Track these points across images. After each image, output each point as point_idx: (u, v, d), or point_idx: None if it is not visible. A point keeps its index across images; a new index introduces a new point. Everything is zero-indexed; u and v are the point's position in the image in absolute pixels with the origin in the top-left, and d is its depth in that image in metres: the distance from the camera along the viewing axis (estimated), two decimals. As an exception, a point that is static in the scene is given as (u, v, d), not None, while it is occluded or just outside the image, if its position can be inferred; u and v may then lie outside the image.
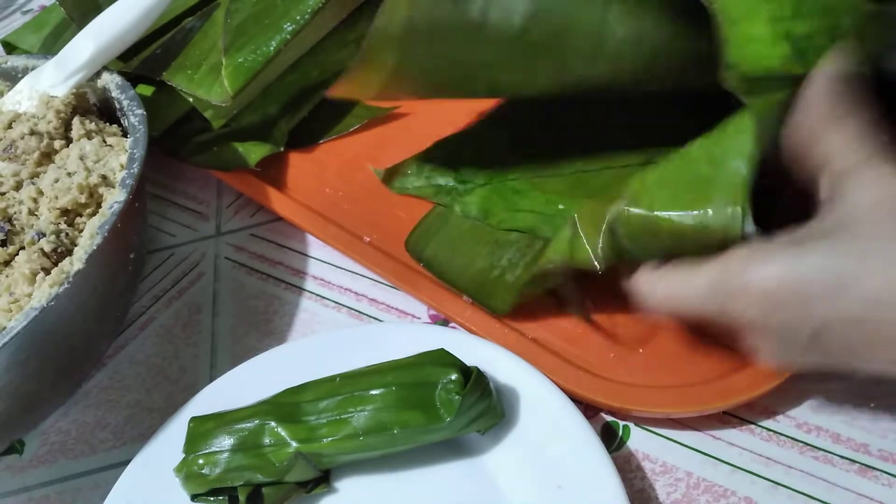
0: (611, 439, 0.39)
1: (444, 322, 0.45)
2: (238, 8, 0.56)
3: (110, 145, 0.47)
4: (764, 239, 0.30)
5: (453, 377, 0.35)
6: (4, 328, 0.35)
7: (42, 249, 0.39)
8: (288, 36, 0.53)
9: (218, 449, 0.37)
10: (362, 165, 0.52)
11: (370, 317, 0.47)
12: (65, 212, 0.42)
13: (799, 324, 0.28)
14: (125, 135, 0.48)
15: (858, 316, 0.27)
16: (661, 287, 0.33)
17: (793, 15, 0.31)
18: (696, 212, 0.31)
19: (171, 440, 0.39)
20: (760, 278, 0.28)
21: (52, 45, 0.66)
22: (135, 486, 0.38)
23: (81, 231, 0.42)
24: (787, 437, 0.38)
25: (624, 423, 0.40)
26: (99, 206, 0.43)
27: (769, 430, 0.38)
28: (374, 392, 0.36)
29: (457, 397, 0.35)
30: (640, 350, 0.40)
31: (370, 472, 0.38)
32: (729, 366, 0.38)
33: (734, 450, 0.38)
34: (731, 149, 0.31)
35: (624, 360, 0.40)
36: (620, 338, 0.41)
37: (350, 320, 0.47)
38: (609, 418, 0.40)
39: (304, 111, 0.58)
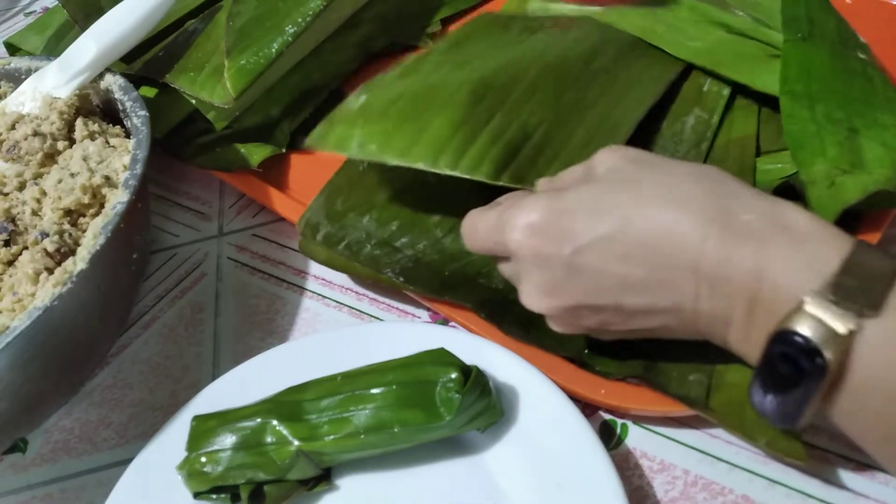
0: (609, 437, 0.40)
1: (444, 321, 0.46)
2: (240, 10, 0.56)
3: (113, 146, 0.47)
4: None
5: (453, 376, 0.36)
6: (8, 328, 0.35)
7: (45, 249, 0.40)
8: (290, 38, 0.54)
9: (220, 447, 0.37)
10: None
11: (371, 316, 0.48)
12: (68, 212, 0.42)
13: (557, 248, 0.34)
14: (128, 136, 0.48)
15: (609, 231, 0.33)
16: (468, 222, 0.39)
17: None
18: None
19: (173, 438, 0.39)
20: (527, 211, 0.35)
21: (55, 46, 0.66)
22: (137, 484, 0.38)
23: (85, 231, 0.42)
24: (785, 435, 0.38)
25: (622, 421, 0.40)
26: (102, 206, 0.43)
27: (767, 428, 0.39)
28: (374, 391, 0.37)
29: (457, 396, 0.35)
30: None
31: (371, 469, 0.38)
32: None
33: (732, 448, 0.38)
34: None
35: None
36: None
37: (351, 319, 0.48)
38: (607, 416, 0.40)
39: (305, 112, 0.59)
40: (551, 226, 0.34)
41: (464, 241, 0.39)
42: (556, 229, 0.34)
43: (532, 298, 0.36)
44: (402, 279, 0.44)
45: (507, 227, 0.35)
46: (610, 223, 0.33)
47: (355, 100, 0.46)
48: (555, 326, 0.37)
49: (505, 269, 0.38)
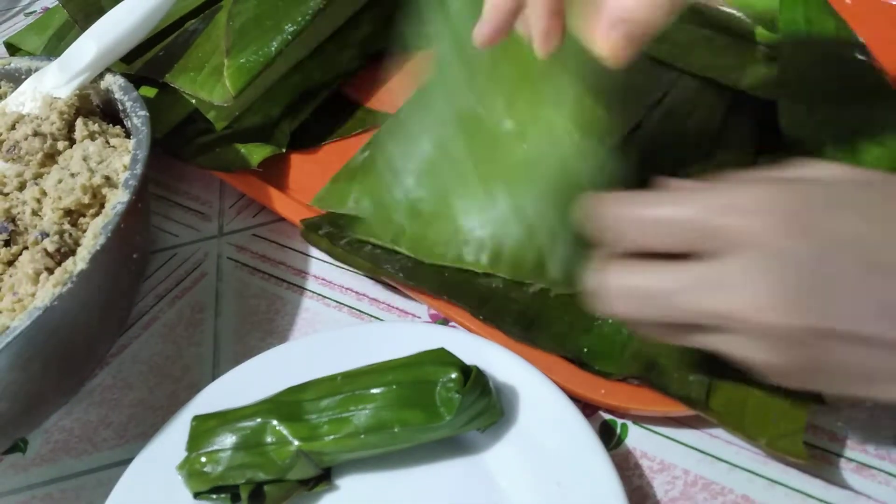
0: (609, 437, 0.40)
1: (444, 321, 0.46)
2: (240, 10, 0.56)
3: (113, 146, 0.47)
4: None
5: (453, 376, 0.36)
6: (8, 328, 0.35)
7: (45, 249, 0.40)
8: (289, 37, 0.54)
9: (220, 447, 0.37)
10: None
11: (371, 316, 0.48)
12: (68, 212, 0.42)
13: (812, 242, 0.27)
14: (128, 136, 0.48)
15: (876, 235, 0.27)
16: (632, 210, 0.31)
17: None
18: None
19: (173, 438, 0.39)
20: (761, 194, 0.28)
21: (55, 46, 0.66)
22: (137, 484, 0.38)
23: (85, 231, 0.42)
24: (785, 435, 0.38)
25: (622, 421, 0.40)
26: (102, 206, 0.43)
27: (767, 428, 0.39)
28: (374, 391, 0.37)
29: (456, 396, 0.35)
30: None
31: (371, 469, 0.38)
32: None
33: (732, 448, 0.38)
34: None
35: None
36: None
37: (351, 319, 0.48)
38: (607, 416, 0.40)
39: (305, 112, 0.59)
40: (800, 213, 0.27)
41: (609, 230, 0.31)
42: (807, 218, 0.27)
43: (759, 305, 0.27)
44: (401, 275, 0.45)
45: (737, 209, 0.28)
46: (875, 224, 0.27)
47: (359, 155, 0.49)
48: (754, 351, 0.29)
49: (683, 276, 0.29)
